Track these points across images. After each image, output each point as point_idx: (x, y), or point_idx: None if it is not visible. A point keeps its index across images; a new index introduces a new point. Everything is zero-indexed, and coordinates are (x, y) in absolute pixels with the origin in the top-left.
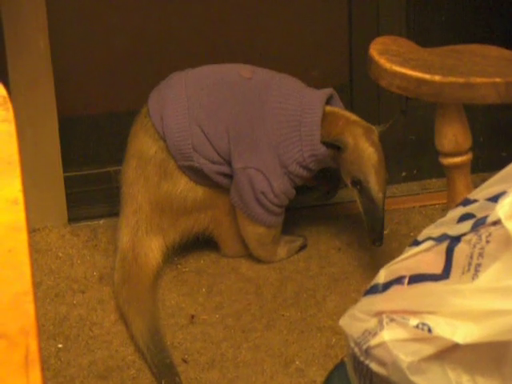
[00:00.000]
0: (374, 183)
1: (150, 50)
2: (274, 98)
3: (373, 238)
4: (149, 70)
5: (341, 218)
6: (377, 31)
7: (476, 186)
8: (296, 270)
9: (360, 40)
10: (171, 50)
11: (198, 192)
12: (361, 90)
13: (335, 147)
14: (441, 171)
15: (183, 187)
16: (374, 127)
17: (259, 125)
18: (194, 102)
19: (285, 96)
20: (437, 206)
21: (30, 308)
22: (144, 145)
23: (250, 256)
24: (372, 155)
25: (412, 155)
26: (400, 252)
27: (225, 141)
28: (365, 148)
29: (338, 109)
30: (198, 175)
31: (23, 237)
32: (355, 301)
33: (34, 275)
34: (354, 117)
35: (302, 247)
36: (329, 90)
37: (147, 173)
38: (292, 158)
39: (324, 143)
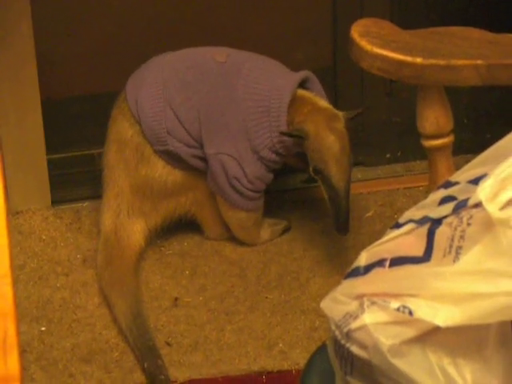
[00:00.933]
0: (334, 172)
1: (135, 32)
2: (244, 83)
3: (337, 227)
4: (133, 51)
5: (325, 200)
6: (361, 13)
7: (460, 167)
8: (280, 252)
9: (344, 22)
10: (156, 32)
11: (176, 175)
12: (345, 73)
13: (295, 136)
14: (425, 153)
15: (161, 171)
16: (340, 114)
17: (230, 110)
18: (168, 86)
19: (255, 81)
20: (421, 187)
21: (7, 291)
22: (122, 129)
23: (234, 238)
24: (333, 144)
25: (396, 137)
26: (384, 234)
27: (197, 125)
28: (326, 136)
29: (308, 94)
30: (174, 159)
31: (2, 220)
32: (339, 283)
33: (12, 258)
34: (321, 103)
35: (286, 230)
36: (303, 73)
37: (126, 157)
38: (262, 144)
39: (283, 134)
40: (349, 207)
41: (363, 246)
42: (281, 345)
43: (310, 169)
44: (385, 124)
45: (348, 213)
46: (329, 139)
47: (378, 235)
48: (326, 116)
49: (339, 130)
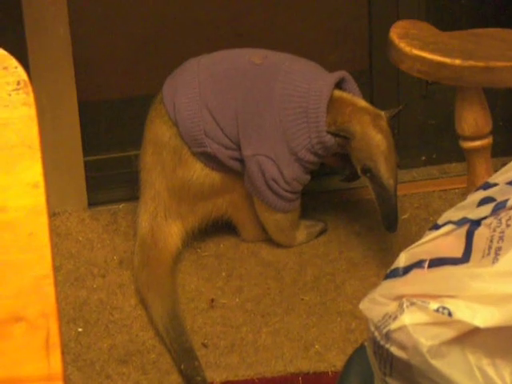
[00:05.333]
0: (384, 170)
1: (169, 34)
2: (281, 85)
3: (387, 225)
4: (168, 54)
5: (361, 202)
6: (396, 15)
7: (496, 169)
8: (316, 254)
9: (380, 24)
10: (191, 35)
11: (214, 177)
12: (381, 75)
13: (342, 136)
14: (461, 155)
15: (199, 173)
16: (382, 113)
17: (267, 111)
18: (205, 89)
19: (292, 82)
20: (457, 190)
21: (50, 291)
22: (159, 131)
23: (270, 240)
24: (380, 142)
25: (432, 139)
26: (420, 236)
27: (234, 127)
28: (373, 135)
29: (346, 94)
30: (212, 161)
31: (43, 220)
32: (375, 285)
33: (54, 258)
34: (362, 103)
35: (322, 232)
36: (340, 74)
37: (163, 159)
38: (300, 145)
39: (330, 133)
40: (397, 204)
41: (399, 248)
42: (317, 346)
43: (358, 169)
44: (420, 126)
45: (397, 210)
46: (376, 138)
47: (413, 237)
48: (370, 115)
49: (384, 128)
